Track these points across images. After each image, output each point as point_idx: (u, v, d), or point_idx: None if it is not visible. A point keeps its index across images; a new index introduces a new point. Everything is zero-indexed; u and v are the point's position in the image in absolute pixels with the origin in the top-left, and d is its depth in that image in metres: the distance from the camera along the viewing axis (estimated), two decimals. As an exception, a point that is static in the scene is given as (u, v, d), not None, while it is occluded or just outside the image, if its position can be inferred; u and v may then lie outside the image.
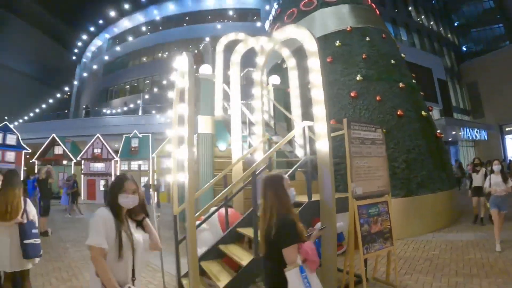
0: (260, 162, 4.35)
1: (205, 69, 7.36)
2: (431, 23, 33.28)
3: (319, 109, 3.99)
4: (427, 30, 32.16)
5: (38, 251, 3.63)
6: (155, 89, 33.07)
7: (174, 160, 4.73)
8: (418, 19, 31.87)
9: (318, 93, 4.01)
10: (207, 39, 9.46)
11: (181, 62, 3.94)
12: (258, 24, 31.63)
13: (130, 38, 38.55)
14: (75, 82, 45.57)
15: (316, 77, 4.04)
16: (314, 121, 4.06)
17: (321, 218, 3.98)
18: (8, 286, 3.62)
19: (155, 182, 19.19)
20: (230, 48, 6.86)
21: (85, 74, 44.12)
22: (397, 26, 28.62)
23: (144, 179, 20.46)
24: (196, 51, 11.20)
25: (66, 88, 40.99)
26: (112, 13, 35.60)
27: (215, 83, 7.07)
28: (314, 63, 4.08)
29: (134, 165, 22.23)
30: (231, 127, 5.86)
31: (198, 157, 6.52)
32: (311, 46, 4.16)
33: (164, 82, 30.47)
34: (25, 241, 3.50)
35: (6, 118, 31.90)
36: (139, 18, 38.78)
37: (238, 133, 5.76)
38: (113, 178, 17.68)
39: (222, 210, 4.73)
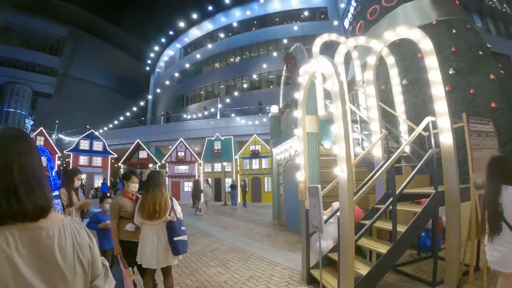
0: (396, 156, 4.64)
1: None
2: (504, 5, 30.58)
3: (441, 105, 4.46)
4: (502, 14, 29.69)
5: (186, 247, 3.75)
6: (235, 93, 34.87)
7: (304, 159, 5.36)
8: (490, 2, 29.60)
9: (438, 90, 4.49)
10: (297, 44, 10.11)
11: (322, 65, 4.31)
12: (335, 23, 31.98)
13: (201, 46, 41.24)
14: (150, 91, 49.85)
15: (435, 75, 4.51)
16: (437, 116, 4.52)
17: (446, 207, 4.39)
18: (149, 282, 3.76)
19: (242, 183, 20.20)
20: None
21: (160, 83, 47.79)
22: (470, 12, 26.92)
23: (228, 180, 21.92)
24: (288, 53, 12.00)
25: (147, 97, 44.78)
26: (182, 24, 38.23)
27: (316, 83, 7.59)
28: (431, 61, 4.56)
29: (218, 166, 23.87)
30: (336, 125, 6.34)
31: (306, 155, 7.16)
32: (426, 45, 4.64)
33: (242, 85, 31.91)
34: (175, 238, 3.60)
35: (88, 126, 36.16)
36: (207, 26, 41.38)
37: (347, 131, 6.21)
38: (197, 179, 19.50)
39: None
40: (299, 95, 5.60)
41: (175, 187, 24.07)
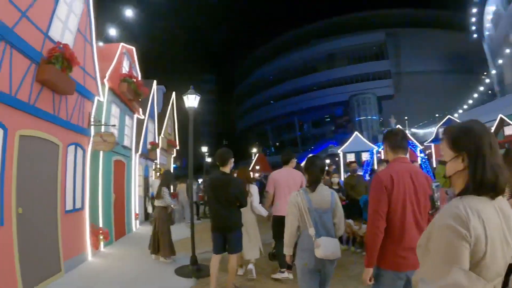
0: None
1: None
2: None
3: None
4: None
5: None
6: None
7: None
8: None
9: None
10: None
11: None
12: None
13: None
14: (489, 59, 44.29)
15: None
16: None
17: None
18: None
19: None
20: None
21: (494, 46, 40.93)
22: None
23: None
24: None
25: (487, 67, 41.23)
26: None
27: None
28: None
29: None
30: None
31: None
32: None
33: None
34: None
35: (436, 115, 38.35)
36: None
37: None
38: None
39: None
40: None
41: None
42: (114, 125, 7.94)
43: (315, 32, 65.77)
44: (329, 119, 66.68)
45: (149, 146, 13.60)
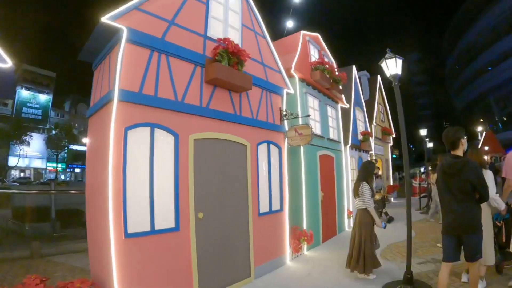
0: None
1: None
2: None
3: None
4: None
5: None
6: None
7: None
8: None
9: None
10: None
11: None
12: None
13: None
14: None
15: None
16: None
17: None
18: None
19: None
20: None
21: None
22: None
23: None
24: None
25: None
26: None
27: None
28: None
29: None
30: None
31: None
32: None
33: None
34: None
35: None
36: None
37: None
38: None
39: None
40: None
41: None
42: (308, 115, 7.34)
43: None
44: None
45: (360, 137, 12.64)
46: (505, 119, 56.93)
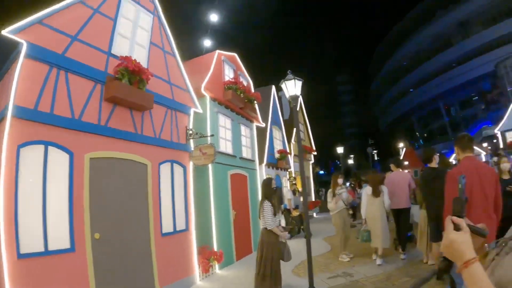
0: None
1: None
2: None
3: None
4: None
5: None
6: None
7: None
8: None
9: None
10: None
11: None
12: None
13: None
14: None
15: None
16: None
17: None
18: None
19: None
20: None
21: None
22: None
23: None
24: None
25: None
26: None
27: None
28: None
29: None
30: None
31: None
32: None
33: None
34: None
35: None
36: None
37: None
38: None
39: None
40: None
41: None
42: (212, 135, 7.74)
43: (438, 2, 57.04)
44: (477, 97, 57.18)
45: (277, 155, 13.46)
46: (425, 135, 65.10)
